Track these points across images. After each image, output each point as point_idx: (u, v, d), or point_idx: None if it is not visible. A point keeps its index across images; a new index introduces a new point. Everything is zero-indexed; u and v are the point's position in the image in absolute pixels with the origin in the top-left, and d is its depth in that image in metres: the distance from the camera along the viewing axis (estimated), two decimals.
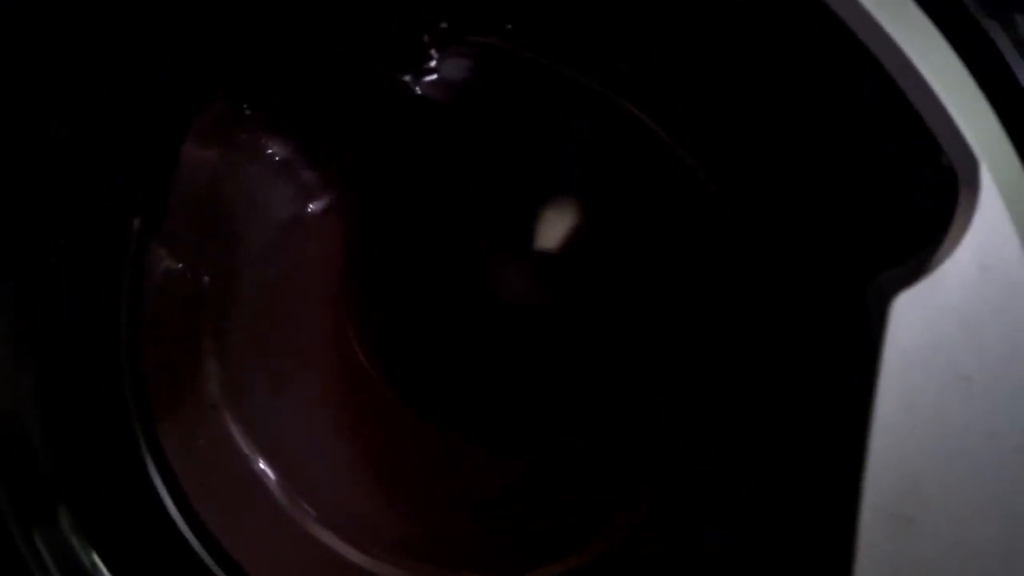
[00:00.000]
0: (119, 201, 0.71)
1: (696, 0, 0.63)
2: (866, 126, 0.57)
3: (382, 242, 0.80)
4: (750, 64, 0.62)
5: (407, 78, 0.72)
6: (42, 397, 0.70)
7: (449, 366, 0.80)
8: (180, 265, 0.75)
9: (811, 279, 0.64)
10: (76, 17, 0.65)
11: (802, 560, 0.64)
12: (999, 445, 0.48)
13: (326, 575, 0.77)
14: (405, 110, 0.73)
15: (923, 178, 0.52)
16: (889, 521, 0.48)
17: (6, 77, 0.64)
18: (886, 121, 0.54)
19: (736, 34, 0.62)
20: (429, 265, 0.80)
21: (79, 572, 0.69)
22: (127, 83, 0.69)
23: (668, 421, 0.76)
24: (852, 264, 0.59)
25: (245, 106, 0.74)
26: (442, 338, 0.80)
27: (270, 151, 0.76)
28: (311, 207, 0.78)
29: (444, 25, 0.70)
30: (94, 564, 0.70)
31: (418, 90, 0.73)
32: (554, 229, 0.77)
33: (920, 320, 0.47)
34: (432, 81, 0.72)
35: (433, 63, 0.72)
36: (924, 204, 0.51)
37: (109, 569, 0.70)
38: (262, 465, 0.77)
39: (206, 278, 0.76)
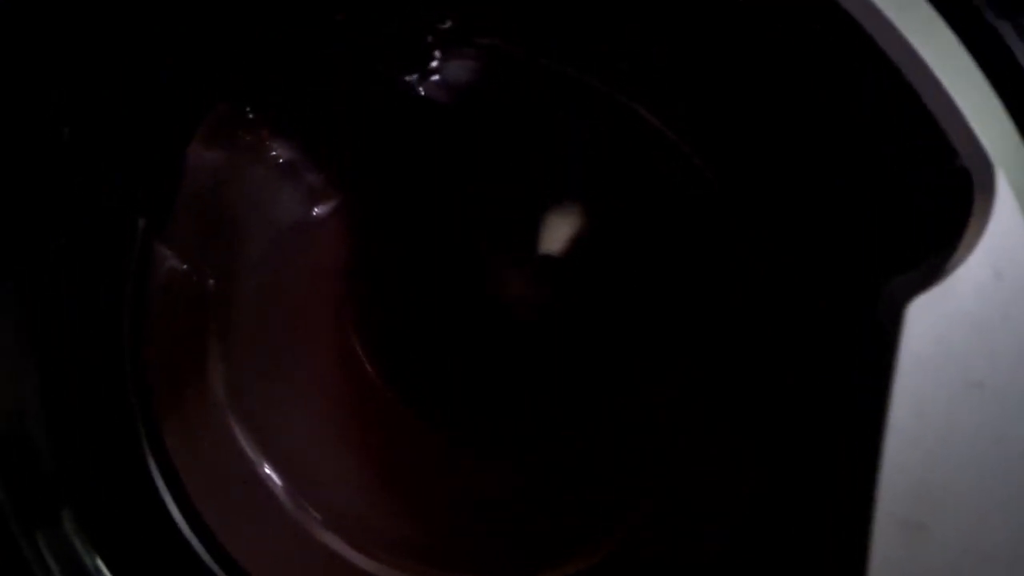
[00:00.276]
0: (119, 201, 0.71)
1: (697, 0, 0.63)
2: (871, 127, 0.57)
3: (383, 243, 0.80)
4: (751, 64, 0.62)
5: (408, 79, 0.72)
6: (45, 398, 0.70)
7: (450, 367, 0.80)
8: (185, 266, 0.75)
9: (811, 279, 0.64)
10: (76, 17, 0.65)
11: (802, 560, 0.64)
12: (1010, 451, 0.48)
13: None
14: (406, 111, 0.73)
15: (931, 181, 0.52)
16: (900, 527, 0.48)
17: (7, 77, 0.64)
18: (894, 122, 0.54)
19: (737, 33, 0.62)
20: (430, 267, 0.80)
21: (82, 575, 0.69)
22: (127, 82, 0.68)
23: (668, 421, 0.76)
24: (854, 265, 0.59)
25: (247, 108, 0.74)
26: (443, 339, 0.80)
27: (273, 153, 0.76)
28: (315, 210, 0.78)
29: (447, 25, 0.70)
30: (97, 567, 0.70)
31: (420, 91, 0.72)
32: (555, 230, 0.77)
33: (933, 326, 0.47)
34: (434, 82, 0.72)
35: (435, 63, 0.72)
36: (934, 207, 0.51)
37: (112, 572, 0.70)
38: (267, 469, 0.77)
39: (211, 281, 0.76)
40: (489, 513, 0.79)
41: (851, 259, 0.60)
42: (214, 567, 0.73)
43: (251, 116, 0.74)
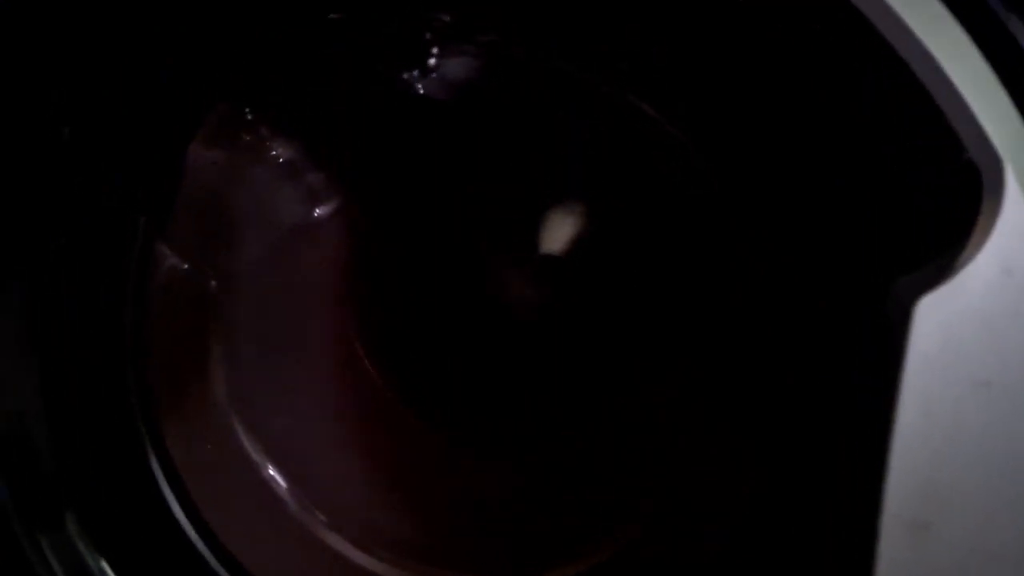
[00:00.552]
0: (120, 201, 0.71)
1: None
2: (875, 124, 0.57)
3: (384, 244, 0.80)
4: (751, 62, 0.62)
5: (408, 77, 0.72)
6: (46, 399, 0.70)
7: (450, 367, 0.80)
8: (185, 266, 0.75)
9: (812, 279, 0.64)
10: (76, 17, 0.65)
11: (803, 560, 0.64)
12: (1018, 450, 0.48)
13: None
14: (406, 110, 0.73)
15: (938, 179, 0.52)
16: (907, 526, 0.48)
17: (7, 77, 0.64)
18: (899, 119, 0.54)
19: (738, 32, 0.62)
20: (431, 266, 0.80)
21: None
22: (127, 82, 0.68)
23: (668, 421, 0.76)
24: (858, 264, 0.59)
25: (247, 108, 0.73)
26: (444, 339, 0.80)
27: (273, 153, 0.76)
28: (316, 211, 0.78)
29: (446, 19, 0.70)
30: (102, 569, 0.69)
31: (419, 89, 0.72)
32: (555, 229, 0.77)
33: (941, 324, 0.47)
34: (433, 80, 0.72)
35: (434, 61, 0.71)
36: (941, 206, 0.51)
37: (116, 574, 0.70)
38: (271, 471, 0.77)
39: (212, 282, 0.76)
40: (489, 513, 0.79)
41: (855, 258, 0.60)
42: (219, 568, 0.73)
43: (251, 116, 0.74)
